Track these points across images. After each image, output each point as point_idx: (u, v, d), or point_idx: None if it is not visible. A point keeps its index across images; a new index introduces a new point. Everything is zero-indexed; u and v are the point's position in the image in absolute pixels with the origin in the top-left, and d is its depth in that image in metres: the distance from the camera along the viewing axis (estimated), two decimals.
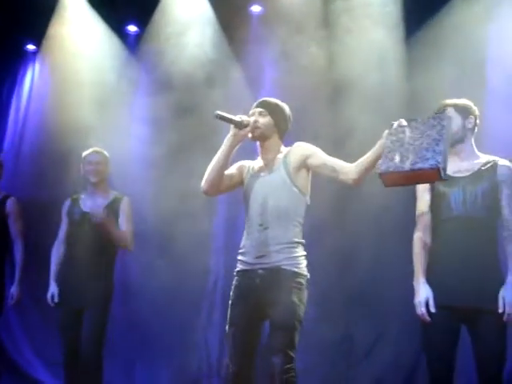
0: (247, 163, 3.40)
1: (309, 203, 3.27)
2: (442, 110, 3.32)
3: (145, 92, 6.06)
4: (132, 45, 6.27)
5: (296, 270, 3.12)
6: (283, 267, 3.10)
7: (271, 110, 3.30)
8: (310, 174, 3.27)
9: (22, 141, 6.60)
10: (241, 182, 3.37)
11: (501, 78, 4.82)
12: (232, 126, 3.17)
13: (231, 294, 3.25)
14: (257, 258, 3.14)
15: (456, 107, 3.34)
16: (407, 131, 2.87)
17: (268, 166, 3.28)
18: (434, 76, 4.95)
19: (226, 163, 3.22)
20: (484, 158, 3.34)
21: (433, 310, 3.16)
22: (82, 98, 5.97)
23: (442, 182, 3.17)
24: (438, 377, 3.22)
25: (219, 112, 3.11)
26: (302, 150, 3.26)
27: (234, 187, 3.39)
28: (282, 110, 3.34)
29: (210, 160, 3.24)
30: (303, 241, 3.21)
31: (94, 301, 4.18)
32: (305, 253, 3.20)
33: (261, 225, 3.16)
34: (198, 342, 5.54)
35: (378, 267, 5.21)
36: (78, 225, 4.36)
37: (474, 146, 3.37)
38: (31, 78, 6.73)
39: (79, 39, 6.24)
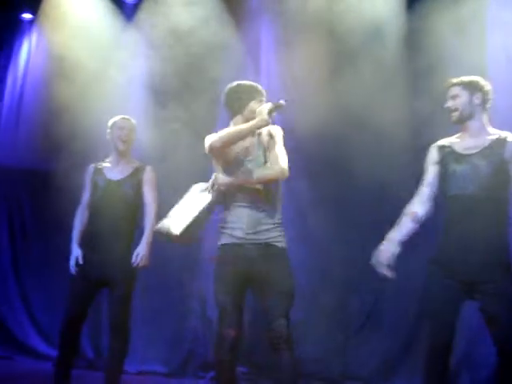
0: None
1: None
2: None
3: (143, 60, 6.00)
4: (129, 14, 6.21)
5: (282, 245, 3.37)
6: (273, 243, 3.34)
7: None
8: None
9: (20, 112, 6.57)
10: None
11: (501, 45, 4.80)
12: (271, 113, 3.24)
13: (218, 265, 3.38)
14: (247, 234, 3.33)
15: (462, 84, 3.37)
16: None
17: (250, 150, 3.41)
18: (435, 46, 4.94)
19: (243, 138, 3.33)
20: (495, 134, 3.34)
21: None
22: (80, 68, 5.92)
23: (451, 159, 3.31)
24: (439, 344, 3.29)
25: (282, 102, 3.24)
26: (270, 133, 3.41)
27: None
28: None
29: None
30: (281, 220, 3.42)
31: (121, 274, 4.11)
32: (283, 229, 3.41)
33: (251, 203, 3.33)
34: (194, 310, 5.57)
35: (377, 235, 5.22)
36: (102, 192, 4.27)
37: (486, 123, 3.38)
38: (28, 47, 6.68)
39: (76, 8, 6.20)
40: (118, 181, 4.28)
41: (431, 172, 3.43)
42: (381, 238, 5.04)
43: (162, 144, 5.59)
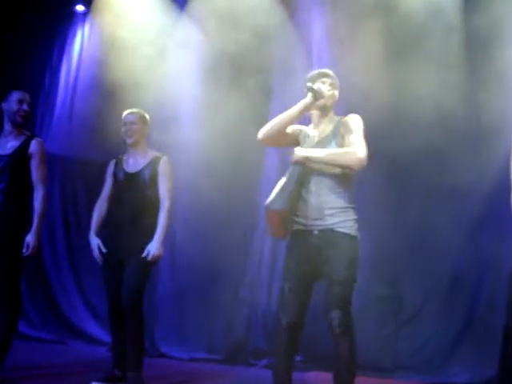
0: (302, 127, 3.56)
1: None
2: None
3: (194, 50, 6.03)
4: (181, 3, 6.24)
5: (348, 232, 3.29)
6: (337, 229, 3.28)
7: (337, 83, 3.51)
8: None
9: (74, 102, 6.67)
10: (294, 143, 3.50)
11: None
12: (310, 95, 3.34)
13: (287, 251, 3.42)
14: (312, 220, 3.31)
15: None
16: None
17: (322, 135, 3.44)
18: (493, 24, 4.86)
19: (291, 123, 3.42)
20: None
21: None
22: (133, 58, 5.97)
23: None
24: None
25: (310, 85, 3.35)
26: (349, 120, 3.41)
27: (286, 145, 3.57)
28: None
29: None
30: (354, 205, 3.37)
31: (135, 251, 4.16)
32: (356, 216, 3.36)
33: (316, 189, 3.32)
34: (246, 299, 5.59)
35: (428, 225, 5.19)
36: (121, 185, 4.39)
37: None
38: (81, 39, 6.79)
39: None
40: (136, 172, 4.37)
41: None
42: (434, 227, 5.09)
43: (213, 132, 5.62)
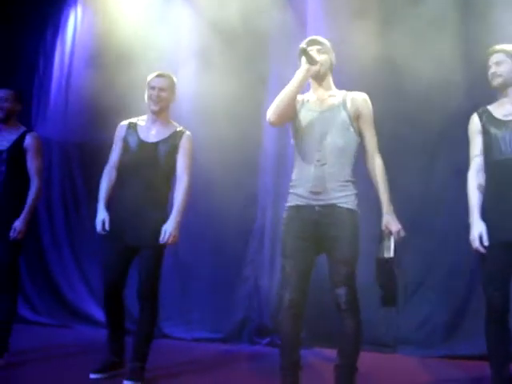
0: (299, 96, 3.43)
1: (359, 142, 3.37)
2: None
3: (187, 28, 5.99)
4: None
5: (351, 207, 3.25)
6: (339, 205, 3.22)
7: (327, 48, 3.43)
8: None
9: (69, 86, 6.63)
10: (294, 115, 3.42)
11: None
12: (304, 61, 3.28)
13: (284, 227, 3.34)
14: (312, 193, 3.24)
15: (506, 52, 3.50)
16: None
17: (325, 103, 3.38)
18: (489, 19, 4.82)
19: (295, 96, 3.32)
20: None
21: (486, 243, 3.39)
22: (127, 41, 5.94)
23: (491, 125, 3.47)
24: (496, 305, 3.41)
25: (304, 46, 3.27)
26: (363, 105, 3.36)
27: (292, 119, 3.42)
28: (332, 49, 3.46)
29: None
30: (355, 179, 3.31)
31: (151, 240, 3.88)
32: (356, 191, 3.30)
33: (318, 160, 3.26)
34: (248, 277, 5.60)
35: (428, 201, 5.19)
36: (133, 153, 4.00)
37: None
38: (74, 21, 6.72)
39: None
40: (153, 143, 4.01)
41: (478, 141, 3.55)
42: (435, 202, 5.08)
43: (208, 112, 5.58)
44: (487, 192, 3.49)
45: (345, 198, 3.23)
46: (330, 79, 3.45)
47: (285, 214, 3.37)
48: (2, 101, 4.40)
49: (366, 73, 5.08)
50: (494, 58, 3.52)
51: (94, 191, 6.09)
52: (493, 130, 3.46)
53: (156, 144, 4.01)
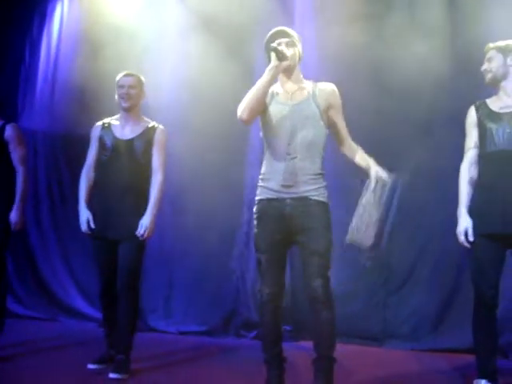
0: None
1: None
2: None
3: (174, 18, 5.96)
4: None
5: (322, 199, 3.27)
6: (311, 197, 3.24)
7: (296, 39, 3.39)
8: None
9: (56, 76, 6.57)
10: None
11: None
12: (274, 57, 3.24)
13: (257, 221, 3.35)
14: (283, 186, 3.24)
15: (497, 48, 3.55)
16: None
17: (294, 96, 3.36)
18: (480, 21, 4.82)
19: (266, 93, 3.30)
20: None
21: (471, 238, 3.44)
22: (113, 32, 5.91)
23: (488, 118, 3.50)
24: (485, 298, 3.43)
25: (274, 45, 3.25)
26: (332, 96, 3.36)
27: (263, 112, 3.39)
28: (299, 40, 3.43)
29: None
30: (324, 172, 3.33)
31: (130, 233, 3.97)
32: (326, 183, 3.31)
33: (289, 154, 3.26)
34: (234, 270, 5.58)
35: (415, 194, 5.18)
36: (109, 151, 4.10)
37: None
38: (61, 12, 6.65)
39: None
40: (128, 140, 4.11)
41: (474, 134, 3.58)
42: (421, 196, 5.07)
43: (193, 105, 5.55)
44: (479, 183, 3.52)
45: (316, 190, 3.25)
46: (298, 71, 3.43)
47: (255, 209, 3.37)
48: None
49: (353, 70, 5.07)
50: (487, 55, 3.58)
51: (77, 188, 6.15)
52: (488, 123, 3.50)
53: (131, 140, 4.12)
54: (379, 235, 3.23)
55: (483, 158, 3.51)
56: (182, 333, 5.49)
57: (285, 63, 3.27)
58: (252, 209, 5.45)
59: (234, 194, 5.53)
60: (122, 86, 4.12)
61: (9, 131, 4.40)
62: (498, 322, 3.50)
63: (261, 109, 3.31)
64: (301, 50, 3.42)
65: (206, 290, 5.61)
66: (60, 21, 6.63)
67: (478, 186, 3.53)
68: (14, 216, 4.30)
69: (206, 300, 5.61)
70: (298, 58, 3.39)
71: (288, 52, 3.28)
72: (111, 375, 3.87)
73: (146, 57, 5.82)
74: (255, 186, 5.44)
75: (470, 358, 3.65)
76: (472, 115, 3.61)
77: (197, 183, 5.47)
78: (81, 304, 6.15)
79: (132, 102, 4.13)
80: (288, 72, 3.37)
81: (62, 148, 6.43)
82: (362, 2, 5.28)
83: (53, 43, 6.65)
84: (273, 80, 3.28)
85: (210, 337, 5.40)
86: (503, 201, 3.37)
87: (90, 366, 4.10)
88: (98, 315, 5.69)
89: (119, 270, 4.00)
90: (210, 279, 5.61)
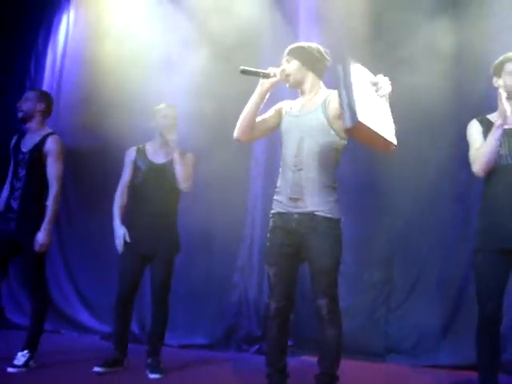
0: (287, 104, 3.45)
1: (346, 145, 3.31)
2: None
3: (180, 33, 5.95)
4: None
5: (330, 215, 3.19)
6: (317, 213, 3.17)
7: (296, 53, 3.35)
8: None
9: (60, 90, 6.56)
10: (278, 124, 3.41)
11: None
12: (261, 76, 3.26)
13: (269, 234, 3.33)
14: (291, 199, 3.21)
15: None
16: None
17: (306, 107, 3.33)
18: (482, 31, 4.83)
19: (256, 112, 3.31)
20: None
21: None
22: (119, 43, 5.94)
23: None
24: (490, 314, 3.39)
25: (243, 67, 3.21)
26: (333, 104, 3.22)
27: (270, 130, 3.45)
28: (307, 50, 3.35)
29: None
30: (336, 185, 3.26)
31: (164, 249, 4.34)
32: (337, 197, 3.24)
33: (295, 166, 3.23)
34: (237, 284, 5.58)
35: (418, 209, 5.18)
36: (143, 174, 4.42)
37: None
38: (66, 25, 6.68)
39: None
40: (163, 164, 4.42)
41: (481, 140, 3.46)
42: (422, 209, 5.07)
43: (200, 122, 5.57)
44: (485, 198, 3.49)
45: (324, 205, 3.18)
46: (312, 81, 3.36)
47: (270, 222, 3.36)
48: (23, 101, 4.40)
49: None
50: (507, 68, 3.45)
51: (85, 198, 6.16)
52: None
53: (166, 164, 4.42)
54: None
55: (488, 173, 3.44)
56: (183, 346, 5.47)
57: (272, 80, 3.26)
58: (255, 222, 5.52)
59: (238, 207, 5.54)
60: (165, 117, 4.42)
61: (50, 144, 4.32)
62: (501, 339, 3.48)
63: (253, 128, 3.33)
64: (310, 61, 3.32)
65: (208, 303, 5.60)
66: (65, 34, 6.66)
67: (484, 201, 3.50)
68: (40, 237, 4.18)
69: (208, 313, 5.59)
70: (302, 70, 3.33)
71: (273, 70, 3.27)
72: (151, 376, 4.22)
73: (152, 70, 5.82)
74: (258, 200, 5.51)
75: (472, 375, 3.62)
76: (477, 126, 3.53)
77: (200, 198, 5.47)
78: (84, 317, 6.14)
79: (175, 133, 4.38)
80: (295, 86, 3.38)
81: (67, 162, 6.42)
82: (366, 20, 5.30)
83: (58, 56, 6.67)
84: (261, 99, 3.30)
85: (211, 350, 5.38)
86: (508, 216, 3.33)
87: (96, 369, 4.24)
88: (102, 328, 5.75)
89: (153, 284, 4.39)
90: (212, 293, 5.60)
